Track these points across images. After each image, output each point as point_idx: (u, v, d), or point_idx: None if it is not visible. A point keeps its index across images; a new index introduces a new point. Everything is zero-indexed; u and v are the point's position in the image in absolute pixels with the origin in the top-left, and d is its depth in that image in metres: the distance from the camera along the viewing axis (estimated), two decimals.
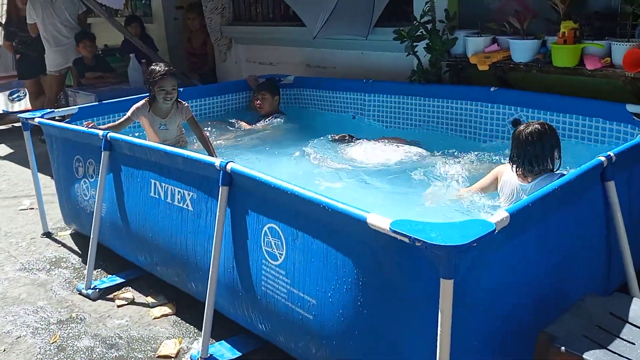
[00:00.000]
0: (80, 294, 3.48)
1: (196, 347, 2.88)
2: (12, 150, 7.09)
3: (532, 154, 2.70)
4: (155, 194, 3.11)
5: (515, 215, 1.94)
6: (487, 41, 4.13)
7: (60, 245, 4.22)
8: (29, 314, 3.30)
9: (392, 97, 4.71)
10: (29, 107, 8.21)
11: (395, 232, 1.83)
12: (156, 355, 2.85)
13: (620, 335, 1.92)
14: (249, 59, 6.52)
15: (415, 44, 4.38)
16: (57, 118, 4.29)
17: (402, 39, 4.39)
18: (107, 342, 3.00)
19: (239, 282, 2.66)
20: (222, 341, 2.86)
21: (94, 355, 2.89)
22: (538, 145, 2.69)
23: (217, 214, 2.62)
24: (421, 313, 1.99)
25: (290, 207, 2.33)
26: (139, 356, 2.86)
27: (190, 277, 3.02)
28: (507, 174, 2.90)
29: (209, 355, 2.73)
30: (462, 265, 1.83)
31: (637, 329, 1.96)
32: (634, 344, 1.89)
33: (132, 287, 3.52)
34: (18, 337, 3.08)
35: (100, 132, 3.42)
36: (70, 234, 4.36)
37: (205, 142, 4.03)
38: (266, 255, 2.48)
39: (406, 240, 1.81)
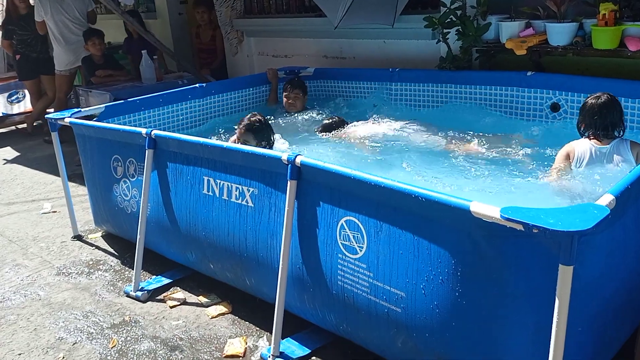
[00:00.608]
0: (129, 296, 3.40)
1: (263, 345, 2.83)
2: (18, 153, 6.94)
3: (609, 120, 2.96)
4: (209, 191, 3.04)
5: (619, 198, 1.91)
6: (521, 25, 4.10)
7: (94, 247, 4.13)
8: (79, 319, 3.22)
9: (420, 85, 4.66)
10: (29, 108, 8.05)
11: (508, 219, 1.79)
12: (223, 355, 2.79)
13: None
14: (261, 52, 6.43)
15: (446, 30, 4.34)
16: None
17: (433, 26, 4.34)
18: (169, 344, 2.93)
19: (309, 278, 2.60)
20: (289, 338, 2.80)
21: (158, 357, 2.82)
22: (611, 112, 2.97)
23: (286, 208, 2.56)
24: (525, 303, 1.96)
25: (371, 198, 2.28)
26: (205, 357, 2.80)
27: (249, 274, 2.96)
28: (581, 146, 3.02)
29: (280, 352, 2.68)
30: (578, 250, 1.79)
31: None
32: None
33: (180, 287, 3.45)
34: (74, 343, 3.00)
35: (144, 130, 3.33)
36: (101, 236, 4.26)
37: None
38: (343, 249, 2.43)
39: (520, 227, 1.77)
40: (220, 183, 2.97)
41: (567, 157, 3.03)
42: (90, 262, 3.90)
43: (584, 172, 2.95)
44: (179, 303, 3.29)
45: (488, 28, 4.19)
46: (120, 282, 3.61)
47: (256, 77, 5.37)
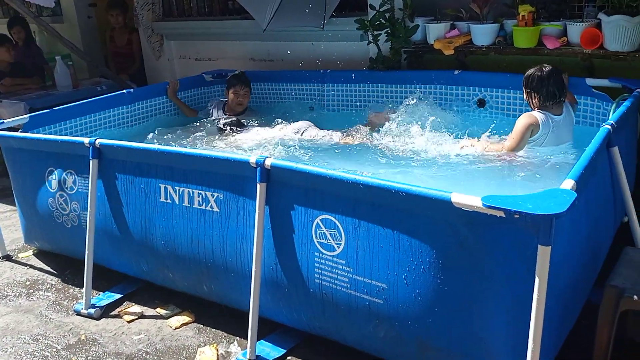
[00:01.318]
0: (80, 314, 3.24)
1: (236, 350, 2.82)
2: None
3: (557, 86, 3.23)
4: (167, 199, 2.97)
5: (578, 182, 2.12)
6: (447, 27, 4.35)
7: (27, 267, 3.87)
8: (29, 343, 3.03)
9: (352, 86, 4.80)
10: None
11: (490, 207, 1.93)
12: None
13: None
14: (183, 56, 6.31)
15: (377, 32, 4.50)
16: None
17: (364, 28, 4.49)
18: (134, 359, 2.83)
19: (284, 279, 2.63)
20: (262, 341, 2.81)
21: None
22: (558, 78, 3.24)
23: (257, 211, 2.57)
24: (502, 285, 2.11)
25: (348, 196, 2.35)
26: None
27: (215, 280, 2.93)
28: (540, 117, 3.28)
29: (256, 356, 2.68)
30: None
31: None
32: None
33: (134, 301, 3.34)
34: None
35: (86, 140, 3.18)
36: (34, 254, 4.01)
37: None
38: (320, 248, 2.48)
39: (501, 214, 1.92)
40: (180, 190, 2.91)
41: (529, 129, 3.26)
42: (27, 283, 3.66)
43: (549, 142, 3.27)
44: (136, 317, 3.18)
45: (416, 30, 4.40)
46: (66, 300, 3.42)
47: (184, 81, 5.26)
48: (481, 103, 4.27)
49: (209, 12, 5.99)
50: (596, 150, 2.45)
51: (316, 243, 2.49)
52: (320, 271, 2.50)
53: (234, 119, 4.43)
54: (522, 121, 3.31)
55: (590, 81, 3.76)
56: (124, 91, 4.76)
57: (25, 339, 3.07)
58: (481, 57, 4.37)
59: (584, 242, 2.49)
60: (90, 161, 3.16)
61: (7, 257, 4.00)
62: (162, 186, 2.98)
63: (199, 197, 2.85)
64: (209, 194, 2.81)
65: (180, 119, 4.95)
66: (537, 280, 1.94)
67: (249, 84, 4.75)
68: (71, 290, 3.54)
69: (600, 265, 2.89)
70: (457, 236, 2.11)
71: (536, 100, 3.30)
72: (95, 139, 3.16)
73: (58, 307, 3.36)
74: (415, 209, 2.18)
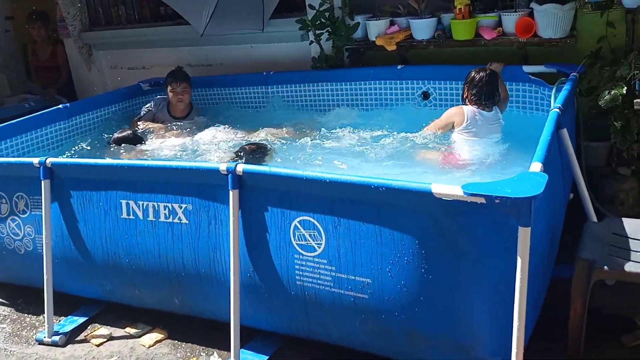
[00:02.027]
0: (42, 343, 3.08)
1: None
2: None
3: (490, 90, 3.51)
4: (129, 214, 2.87)
5: (543, 164, 2.23)
6: (387, 23, 4.44)
7: None
8: None
9: (296, 86, 4.80)
10: None
11: (471, 194, 2.00)
12: None
13: (632, 248, 2.34)
14: (114, 66, 6.09)
15: (319, 32, 4.53)
16: None
17: (306, 28, 4.51)
18: None
19: (263, 285, 2.61)
20: (242, 349, 2.77)
21: None
22: (493, 83, 3.52)
23: (231, 219, 2.54)
24: (483, 268, 2.19)
25: (326, 195, 2.36)
26: None
27: (187, 293, 2.87)
28: (468, 111, 3.51)
29: None
30: None
31: (638, 240, 2.40)
32: None
33: (99, 324, 3.21)
34: None
35: (36, 160, 3.02)
36: None
37: None
38: (299, 249, 2.48)
39: (482, 200, 2.00)
40: (143, 204, 2.82)
41: (452, 121, 3.52)
42: None
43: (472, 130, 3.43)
44: (105, 339, 3.07)
45: (357, 27, 4.46)
46: (24, 330, 3.24)
47: (120, 93, 5.09)
48: (425, 96, 4.39)
49: (139, 20, 5.81)
50: (552, 133, 2.59)
51: (295, 245, 2.49)
52: (301, 273, 2.50)
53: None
54: (448, 111, 3.66)
55: (526, 68, 3.96)
56: (60, 106, 4.55)
57: None
58: (422, 51, 4.49)
59: (547, 221, 2.62)
60: (42, 182, 3.01)
61: None
62: (124, 202, 2.87)
63: (165, 210, 2.77)
64: (176, 205, 2.74)
65: None
66: (519, 260, 2.03)
67: (186, 79, 4.57)
68: (28, 319, 3.36)
69: (558, 242, 3.06)
70: (438, 225, 2.18)
71: (467, 95, 3.58)
72: (46, 158, 3.01)
73: (17, 338, 3.18)
74: (395, 202, 2.23)
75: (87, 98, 5.24)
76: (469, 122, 3.49)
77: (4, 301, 3.57)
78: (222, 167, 2.54)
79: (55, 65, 6.28)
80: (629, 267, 2.19)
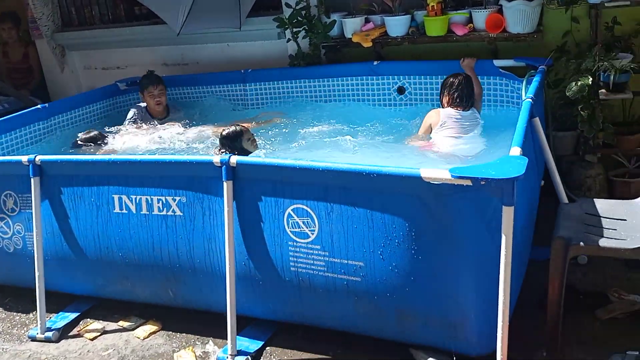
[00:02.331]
0: (35, 340, 3.10)
1: (213, 350, 2.85)
2: None
3: (467, 93, 3.68)
4: (122, 209, 2.92)
5: (522, 148, 2.39)
6: (362, 21, 4.56)
7: None
8: None
9: (274, 83, 4.89)
10: None
11: (458, 177, 2.14)
12: None
13: (604, 226, 2.52)
14: (88, 66, 6.07)
15: (295, 29, 4.63)
16: None
17: (284, 26, 4.60)
18: None
19: (258, 273, 2.70)
20: (238, 336, 2.85)
21: None
22: (469, 86, 3.70)
23: (225, 209, 2.63)
24: (469, 248, 2.33)
25: (318, 183, 2.47)
26: None
27: (181, 284, 2.94)
28: (444, 113, 3.68)
29: (237, 351, 2.74)
30: None
31: (609, 219, 2.58)
32: (615, 229, 2.49)
33: (91, 319, 3.24)
34: None
35: (24, 158, 3.05)
36: None
37: None
38: (293, 237, 2.58)
39: (469, 182, 2.14)
40: (136, 198, 2.88)
41: (430, 124, 3.69)
42: None
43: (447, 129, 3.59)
44: (99, 333, 3.11)
45: (334, 25, 4.58)
46: (15, 329, 3.26)
47: (98, 92, 5.10)
48: (401, 90, 4.54)
49: (113, 20, 5.80)
50: (527, 120, 2.75)
51: (289, 233, 2.59)
52: (295, 259, 2.60)
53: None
54: (426, 115, 3.83)
55: (497, 62, 4.14)
56: (39, 106, 4.54)
57: None
58: (396, 48, 4.63)
59: (526, 203, 2.78)
60: (32, 179, 3.04)
61: None
62: (116, 197, 2.93)
63: (158, 203, 2.84)
64: (169, 198, 2.81)
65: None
66: (503, 237, 2.17)
67: (161, 81, 4.66)
68: (17, 317, 3.37)
69: (534, 225, 3.23)
70: (427, 208, 2.31)
71: (446, 99, 3.74)
72: (35, 156, 3.04)
73: (8, 336, 3.20)
74: (385, 187, 2.35)
75: (66, 98, 5.22)
76: (444, 121, 3.65)
77: None
78: (216, 159, 2.62)
79: (27, 66, 6.22)
80: (603, 242, 2.36)
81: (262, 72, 4.93)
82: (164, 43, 5.50)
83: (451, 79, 3.73)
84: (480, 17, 4.18)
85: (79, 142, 4.23)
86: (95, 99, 4.96)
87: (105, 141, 4.27)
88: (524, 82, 3.68)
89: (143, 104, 4.73)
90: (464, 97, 3.67)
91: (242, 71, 4.97)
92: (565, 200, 3.22)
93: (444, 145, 3.62)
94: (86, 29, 5.88)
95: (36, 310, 3.26)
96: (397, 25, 4.41)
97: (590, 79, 3.61)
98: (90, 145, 4.20)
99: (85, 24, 5.90)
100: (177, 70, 5.60)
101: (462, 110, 3.67)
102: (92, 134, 4.30)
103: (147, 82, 4.61)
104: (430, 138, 3.70)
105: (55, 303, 3.33)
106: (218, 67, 5.34)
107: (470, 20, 4.28)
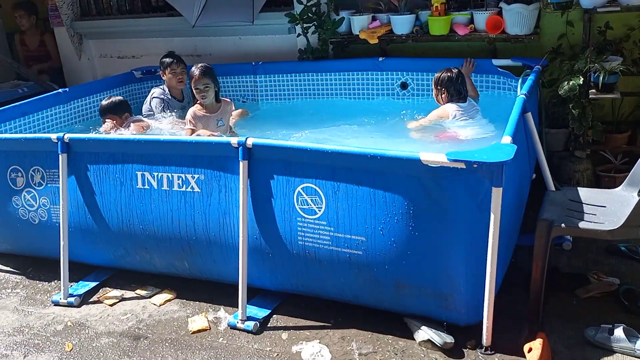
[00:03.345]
0: (58, 304, 3.35)
1: (224, 316, 3.09)
2: None
3: (459, 86, 3.95)
4: (144, 184, 3.17)
5: (512, 137, 2.64)
6: (369, 18, 4.81)
7: None
8: (14, 335, 3.11)
9: (284, 76, 5.13)
10: None
11: (454, 160, 2.39)
12: (191, 332, 3.00)
13: (585, 211, 2.76)
14: (104, 55, 6.31)
15: (305, 25, 4.88)
16: None
17: (294, 21, 4.85)
18: (128, 334, 3.03)
19: (268, 246, 2.95)
20: (247, 305, 3.10)
21: (125, 348, 2.92)
22: (461, 79, 3.98)
23: (241, 186, 2.87)
24: (461, 225, 2.58)
25: (327, 164, 2.72)
26: (172, 336, 2.98)
27: (196, 256, 3.18)
28: (450, 108, 3.92)
29: (246, 317, 2.99)
30: None
31: (590, 205, 2.83)
32: (595, 214, 2.74)
33: (110, 287, 3.49)
34: (25, 356, 2.93)
35: (54, 136, 3.29)
36: None
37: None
38: (301, 213, 2.83)
39: (462, 165, 2.39)
40: (158, 175, 3.13)
41: (440, 117, 3.92)
42: None
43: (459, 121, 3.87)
44: (117, 300, 3.35)
45: (342, 22, 4.83)
46: (38, 295, 3.51)
47: (115, 79, 5.34)
48: (404, 86, 4.79)
49: (130, 10, 6.05)
50: (519, 114, 3.00)
51: (298, 209, 2.83)
52: (303, 234, 2.85)
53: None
54: (435, 112, 4.04)
55: (496, 61, 4.39)
56: (60, 90, 4.79)
57: (8, 331, 3.15)
58: (401, 45, 4.89)
59: (515, 189, 3.03)
60: (60, 156, 3.28)
61: None
62: (139, 173, 3.17)
63: (178, 180, 3.09)
64: (189, 176, 3.06)
65: None
66: (492, 216, 2.43)
67: (183, 61, 4.71)
68: (40, 285, 3.62)
69: (523, 214, 3.48)
70: (424, 188, 2.56)
71: (444, 95, 3.97)
72: (64, 134, 3.28)
73: (32, 301, 3.44)
74: (388, 169, 2.60)
75: (85, 83, 5.45)
76: (454, 114, 3.89)
77: (13, 270, 3.81)
78: (234, 140, 2.87)
79: (44, 54, 6.46)
80: (583, 225, 2.61)
81: (272, 65, 5.17)
82: (178, 34, 5.74)
83: (447, 74, 3.95)
84: (481, 18, 4.42)
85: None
86: (112, 85, 5.20)
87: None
88: (520, 81, 3.92)
89: (161, 90, 4.70)
90: (462, 90, 3.93)
91: (253, 63, 5.21)
92: (553, 188, 3.47)
93: (466, 132, 3.88)
94: (104, 19, 6.12)
95: (57, 279, 3.54)
96: (402, 24, 4.66)
97: (582, 79, 3.85)
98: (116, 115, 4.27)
99: (103, 14, 6.14)
100: (190, 61, 5.75)
101: (462, 102, 3.93)
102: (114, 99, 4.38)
103: (170, 60, 4.62)
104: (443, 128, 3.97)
105: (76, 273, 3.58)
106: (229, 60, 5.58)
107: (471, 21, 4.52)
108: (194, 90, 3.96)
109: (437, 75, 4.02)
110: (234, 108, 4.31)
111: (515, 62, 4.28)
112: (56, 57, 6.42)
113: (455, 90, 3.93)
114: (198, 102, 4.01)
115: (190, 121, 3.96)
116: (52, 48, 6.42)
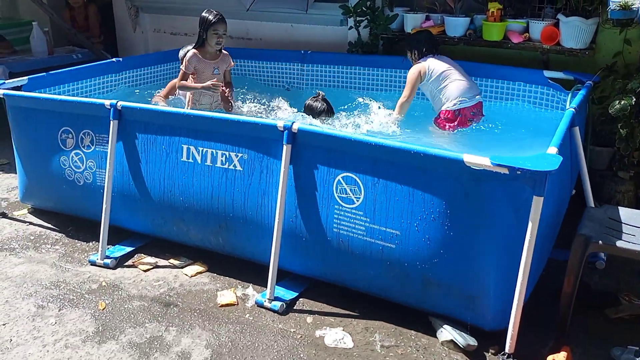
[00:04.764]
0: (95, 264, 3.47)
1: (252, 294, 3.16)
2: None
3: (430, 42, 4.32)
4: (189, 158, 3.26)
5: (559, 149, 2.63)
6: (422, 18, 4.81)
7: (27, 223, 4.03)
8: (51, 289, 3.24)
9: (331, 67, 5.17)
10: None
11: (497, 165, 2.40)
12: (219, 305, 3.08)
13: (624, 231, 2.74)
14: (157, 29, 6.45)
15: (359, 18, 4.90)
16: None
17: (348, 13, 4.88)
18: (159, 300, 3.13)
19: (303, 230, 3.00)
20: (275, 286, 3.16)
21: (155, 312, 3.02)
22: (428, 36, 4.37)
23: (282, 169, 2.93)
24: (497, 229, 2.59)
25: (368, 156, 2.75)
26: (201, 307, 3.07)
27: (232, 233, 3.25)
28: (423, 63, 4.20)
29: (274, 297, 3.05)
30: None
31: (630, 225, 2.80)
32: (634, 235, 2.71)
33: (145, 254, 3.60)
34: (60, 309, 3.05)
35: (108, 102, 3.40)
36: (29, 212, 4.16)
37: (230, 90, 4.29)
38: (340, 201, 2.87)
39: (506, 170, 2.39)
40: (203, 150, 3.21)
41: (418, 77, 4.17)
42: (32, 237, 3.83)
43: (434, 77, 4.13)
44: (151, 267, 3.46)
45: (396, 18, 4.84)
46: (76, 253, 3.64)
47: (167, 54, 5.45)
48: None
49: None
50: (567, 127, 2.98)
51: (336, 197, 2.88)
52: (338, 222, 2.89)
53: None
54: (411, 72, 4.24)
55: (547, 73, 4.34)
56: (113, 59, 4.93)
57: (46, 284, 3.28)
58: (452, 47, 4.85)
59: (554, 201, 3.02)
60: (111, 122, 3.39)
61: (3, 215, 4.12)
62: (185, 147, 3.26)
63: (222, 157, 3.16)
64: (232, 154, 3.13)
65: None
66: (530, 224, 2.43)
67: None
68: (78, 244, 3.75)
69: (559, 229, 3.46)
70: (464, 190, 2.57)
71: (416, 54, 4.28)
72: (117, 102, 3.39)
73: (70, 258, 3.57)
74: (429, 167, 2.62)
75: (138, 55, 5.60)
76: (432, 69, 4.09)
77: (55, 227, 3.96)
78: (280, 123, 2.93)
79: (87, 27, 6.59)
80: (620, 244, 2.59)
81: (321, 55, 5.21)
82: (231, 16, 5.72)
83: (418, 35, 4.36)
84: (537, 28, 4.38)
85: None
86: (164, 60, 5.32)
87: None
88: (570, 94, 3.88)
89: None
90: (430, 45, 4.26)
91: (302, 52, 5.27)
92: (593, 205, 3.43)
93: (452, 93, 4.09)
94: None
95: (95, 240, 3.67)
96: (456, 26, 4.65)
97: (634, 99, 3.79)
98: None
99: None
100: (241, 44, 5.93)
101: (437, 55, 4.24)
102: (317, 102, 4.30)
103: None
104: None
105: (113, 236, 3.68)
106: (280, 46, 5.65)
107: (526, 29, 4.48)
108: (211, 34, 4.06)
109: (409, 37, 4.45)
110: (232, 63, 4.38)
111: (567, 75, 4.23)
112: (98, 30, 6.53)
113: (434, 45, 4.24)
114: (199, 47, 4.12)
115: (186, 64, 4.09)
116: (93, 20, 6.54)
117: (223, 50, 4.27)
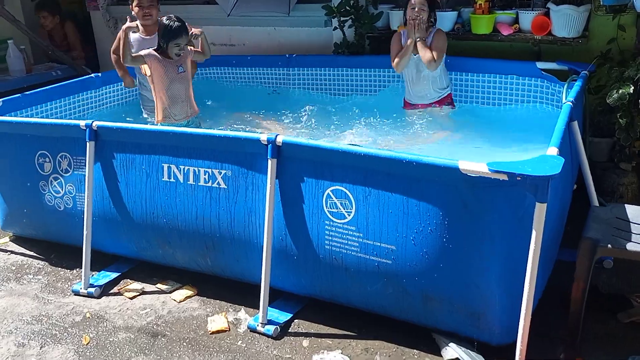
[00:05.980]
0: (78, 294, 3.30)
1: (245, 318, 3.00)
2: None
3: None
4: (170, 177, 3.09)
5: (559, 149, 2.47)
6: None
7: (8, 252, 3.85)
8: (32, 324, 3.07)
9: (317, 70, 5.00)
10: None
11: (495, 171, 2.24)
12: (209, 332, 2.91)
13: (633, 231, 2.58)
14: None
15: (343, 18, 4.74)
16: None
17: (332, 14, 4.71)
18: (146, 331, 2.96)
19: (293, 248, 2.84)
20: (269, 307, 3.00)
21: (142, 345, 2.85)
22: None
23: (268, 185, 2.76)
24: (498, 239, 2.43)
25: (359, 167, 2.59)
26: (191, 336, 2.90)
27: (219, 254, 3.09)
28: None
29: (267, 320, 2.89)
30: None
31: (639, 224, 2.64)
32: None
33: (131, 279, 3.43)
34: (42, 347, 2.88)
35: (82, 122, 3.23)
36: (10, 240, 3.99)
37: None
38: (330, 216, 2.71)
39: (505, 177, 2.23)
40: (184, 169, 3.04)
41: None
42: (13, 268, 3.65)
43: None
44: (137, 293, 3.29)
45: (381, 16, 4.67)
46: (60, 282, 3.47)
47: None
48: None
49: None
50: (565, 123, 2.82)
51: (327, 212, 2.72)
52: (330, 238, 2.73)
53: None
54: (442, 38, 4.07)
55: (540, 64, 4.18)
56: (92, 75, 4.76)
57: (27, 319, 3.11)
58: None
59: (558, 203, 2.86)
60: (87, 143, 3.22)
61: None
62: (166, 166, 3.09)
63: (205, 175, 3.00)
64: (215, 171, 2.96)
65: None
66: (534, 233, 2.27)
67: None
68: (62, 272, 3.58)
69: (564, 227, 3.30)
70: (462, 199, 2.41)
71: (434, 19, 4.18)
72: (92, 121, 3.22)
73: (53, 289, 3.40)
74: (424, 176, 2.45)
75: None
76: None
77: (37, 255, 3.79)
78: (263, 137, 2.76)
79: (69, 45, 6.40)
80: (630, 246, 2.43)
81: (306, 58, 5.04)
82: (213, 23, 5.63)
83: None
84: (527, 18, 4.22)
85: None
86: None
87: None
88: (565, 86, 3.72)
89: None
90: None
91: (287, 56, 5.10)
92: (597, 203, 3.28)
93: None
94: None
95: (79, 267, 3.48)
96: (443, 21, 4.48)
97: (632, 87, 3.63)
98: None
99: None
100: (224, 51, 5.75)
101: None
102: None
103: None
104: None
105: (98, 262, 3.52)
106: (263, 50, 5.48)
107: (516, 20, 4.33)
108: (172, 46, 3.76)
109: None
110: (192, 48, 4.02)
111: (560, 66, 4.07)
112: (78, 46, 6.35)
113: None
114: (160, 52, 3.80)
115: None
116: (72, 37, 6.35)
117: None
